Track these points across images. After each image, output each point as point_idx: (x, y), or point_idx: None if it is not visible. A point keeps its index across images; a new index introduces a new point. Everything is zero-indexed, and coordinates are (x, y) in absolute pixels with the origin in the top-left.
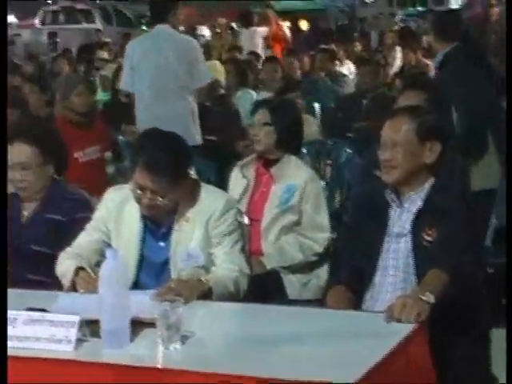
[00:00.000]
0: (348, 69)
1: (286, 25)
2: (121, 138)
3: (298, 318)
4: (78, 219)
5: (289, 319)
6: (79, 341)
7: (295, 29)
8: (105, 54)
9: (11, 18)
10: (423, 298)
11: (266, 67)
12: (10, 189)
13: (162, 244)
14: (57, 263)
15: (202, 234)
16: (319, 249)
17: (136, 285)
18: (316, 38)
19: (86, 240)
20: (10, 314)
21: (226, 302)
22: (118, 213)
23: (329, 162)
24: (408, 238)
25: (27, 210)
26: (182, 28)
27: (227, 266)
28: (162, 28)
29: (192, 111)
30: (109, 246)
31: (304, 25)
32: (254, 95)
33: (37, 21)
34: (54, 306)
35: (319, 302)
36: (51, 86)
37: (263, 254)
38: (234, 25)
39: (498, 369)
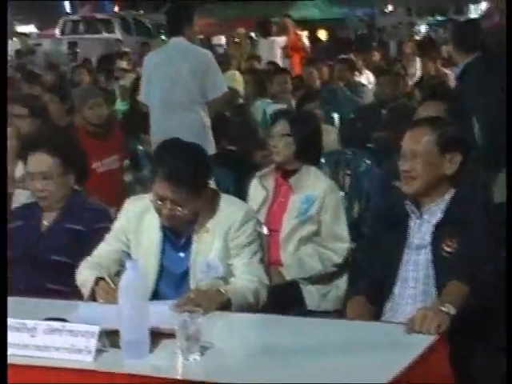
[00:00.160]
0: (367, 79)
1: (304, 34)
2: (139, 147)
3: (317, 328)
4: (97, 229)
5: (308, 330)
6: (99, 351)
7: (314, 38)
8: (124, 64)
9: (31, 28)
10: (443, 309)
11: (277, 79)
12: (31, 198)
13: (181, 254)
14: (77, 273)
15: (222, 244)
16: (338, 259)
17: (155, 295)
18: (335, 48)
19: (105, 250)
20: (30, 323)
21: (245, 313)
22: (138, 223)
23: (348, 172)
24: (428, 249)
25: (47, 220)
26: (199, 36)
27: (246, 276)
28: (177, 41)
29: (203, 125)
30: (128, 256)
31: (323, 34)
32: (273, 105)
33: (57, 31)
34: (73, 315)
35: (338, 312)
36: (71, 96)
37: (282, 264)
38: (252, 34)
39: None
